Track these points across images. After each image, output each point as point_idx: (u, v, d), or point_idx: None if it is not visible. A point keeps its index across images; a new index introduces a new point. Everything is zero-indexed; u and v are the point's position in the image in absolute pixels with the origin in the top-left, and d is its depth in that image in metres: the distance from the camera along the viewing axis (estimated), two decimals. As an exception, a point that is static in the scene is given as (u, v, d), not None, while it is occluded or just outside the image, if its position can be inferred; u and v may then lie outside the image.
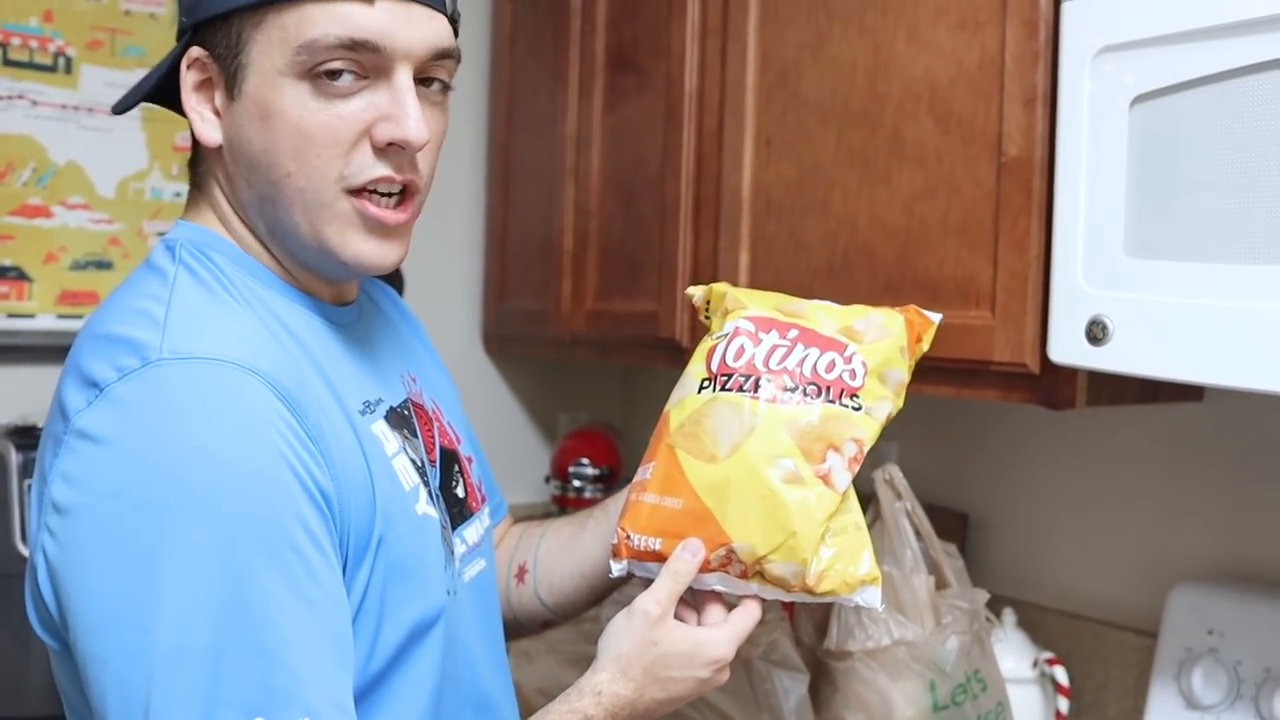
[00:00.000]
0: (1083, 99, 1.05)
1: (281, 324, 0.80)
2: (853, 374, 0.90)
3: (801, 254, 1.40)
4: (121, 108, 0.85)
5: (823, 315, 0.94)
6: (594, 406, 2.32)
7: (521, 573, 1.08)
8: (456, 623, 0.87)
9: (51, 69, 1.74)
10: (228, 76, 0.78)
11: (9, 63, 1.71)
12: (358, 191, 0.79)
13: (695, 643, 0.86)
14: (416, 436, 0.90)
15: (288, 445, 0.71)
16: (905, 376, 0.93)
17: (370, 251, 0.81)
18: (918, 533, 1.26)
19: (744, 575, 0.86)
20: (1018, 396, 1.19)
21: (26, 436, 1.49)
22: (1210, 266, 0.95)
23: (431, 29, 0.79)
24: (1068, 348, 1.06)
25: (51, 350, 1.75)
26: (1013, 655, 1.37)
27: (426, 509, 0.86)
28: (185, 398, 0.70)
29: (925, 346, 0.95)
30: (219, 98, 0.80)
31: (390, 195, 0.81)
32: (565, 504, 1.99)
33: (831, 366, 0.91)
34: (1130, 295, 1.01)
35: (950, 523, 1.58)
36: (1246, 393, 1.29)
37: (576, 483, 1.95)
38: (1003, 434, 1.59)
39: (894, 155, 1.29)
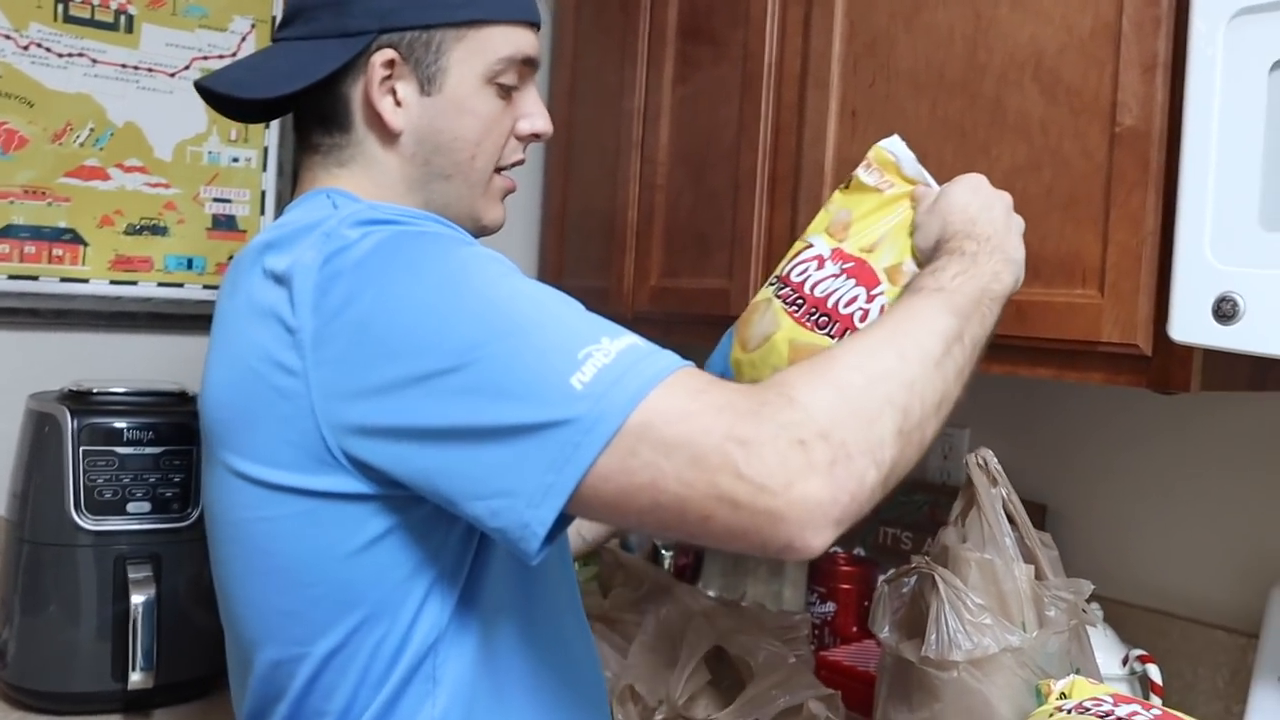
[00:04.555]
0: (1216, 64, 0.99)
1: None
2: (864, 315, 0.99)
3: (889, 230, 1.35)
4: (273, 92, 0.97)
5: (889, 248, 1.03)
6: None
7: None
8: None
9: (112, 27, 1.70)
10: (424, 76, 0.95)
11: (70, 19, 1.67)
12: (499, 170, 1.02)
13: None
14: None
15: None
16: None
17: (501, 215, 1.05)
18: (1011, 520, 1.21)
19: None
20: (1125, 379, 1.13)
21: (81, 402, 1.44)
22: (1355, 241, 0.90)
23: None
24: (1192, 326, 1.00)
25: (104, 316, 1.72)
26: (1101, 652, 1.30)
27: None
28: (420, 228, 0.86)
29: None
30: (406, 91, 0.96)
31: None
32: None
33: (851, 302, 1.00)
34: (1265, 271, 0.95)
35: (1028, 514, 1.52)
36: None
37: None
38: (1081, 420, 1.54)
39: (994, 126, 1.23)
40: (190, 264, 1.79)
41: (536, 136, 1.03)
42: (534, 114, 1.02)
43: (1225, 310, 0.98)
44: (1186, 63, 1.01)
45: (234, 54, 1.80)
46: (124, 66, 1.71)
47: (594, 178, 1.93)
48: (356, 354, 0.78)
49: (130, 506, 1.39)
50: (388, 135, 0.96)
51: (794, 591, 1.74)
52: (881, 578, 1.33)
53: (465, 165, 0.98)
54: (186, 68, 1.76)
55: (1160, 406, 1.45)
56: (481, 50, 0.96)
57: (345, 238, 0.82)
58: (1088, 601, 1.37)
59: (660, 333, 1.78)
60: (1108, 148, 1.12)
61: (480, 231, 1.01)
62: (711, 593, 1.63)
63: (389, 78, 0.95)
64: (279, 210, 1.84)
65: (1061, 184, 1.17)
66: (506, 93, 0.99)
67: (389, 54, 0.94)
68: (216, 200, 1.80)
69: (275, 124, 1.84)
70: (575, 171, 2.00)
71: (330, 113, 0.97)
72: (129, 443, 1.39)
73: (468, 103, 0.96)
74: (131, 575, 1.36)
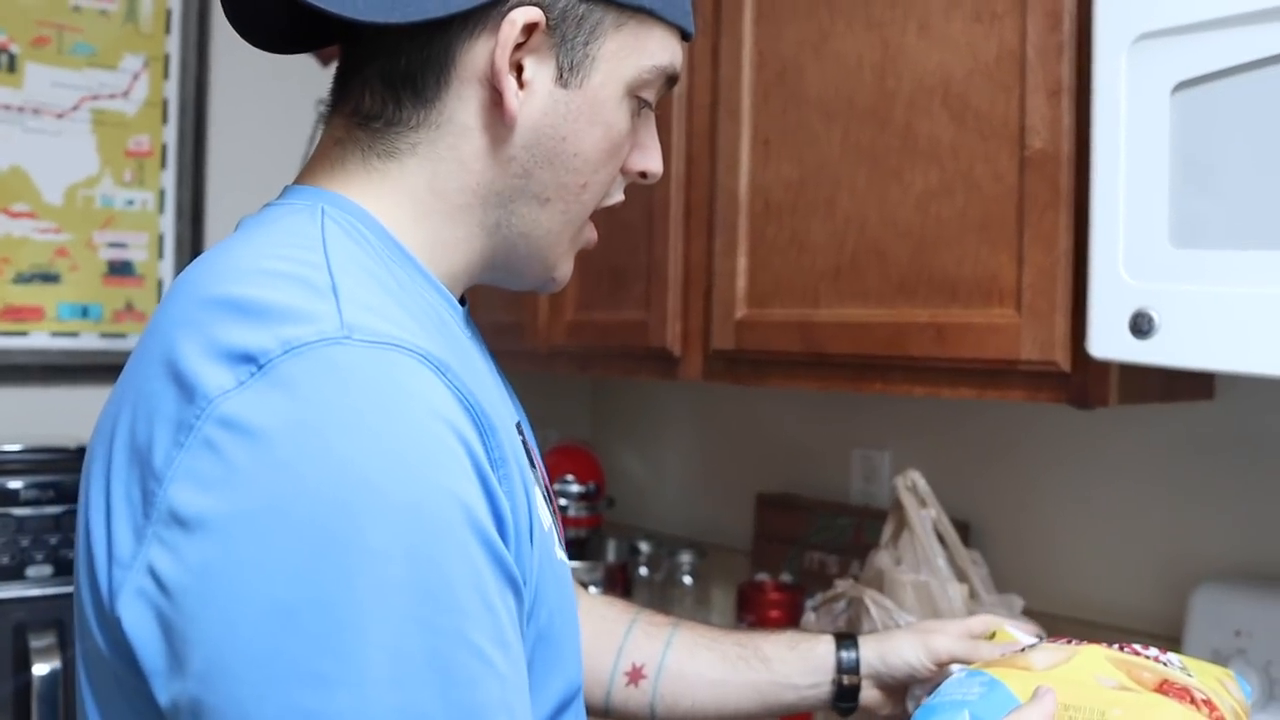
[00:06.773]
0: (1119, 88, 1.02)
1: (444, 321, 0.69)
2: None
3: (806, 255, 1.36)
4: (410, 16, 0.66)
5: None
6: (562, 424, 2.25)
7: (636, 675, 0.97)
8: None
9: (-7, 68, 1.63)
10: (567, 60, 0.69)
11: (-54, 60, 1.60)
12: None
13: None
14: (536, 466, 0.76)
15: (480, 477, 0.57)
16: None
17: (570, 271, 0.79)
18: (942, 540, 1.22)
19: None
20: (1046, 396, 1.16)
21: (-28, 461, 1.36)
22: (1261, 254, 0.93)
23: None
24: (1110, 342, 1.03)
25: (-7, 370, 1.63)
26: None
27: (562, 554, 0.73)
28: (378, 394, 0.54)
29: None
30: (537, 73, 0.69)
31: None
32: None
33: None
34: (1177, 286, 0.98)
35: (952, 532, 1.55)
36: (1259, 386, 1.29)
37: (562, 501, 1.87)
38: (999, 438, 1.57)
39: (905, 152, 1.25)
40: (85, 312, 1.71)
41: (644, 176, 0.79)
42: (650, 148, 0.78)
43: (1141, 326, 1.00)
44: (1091, 87, 1.05)
45: (125, 93, 1.73)
46: (7, 108, 1.64)
47: (504, 212, 1.90)
48: (174, 603, 0.53)
49: (30, 571, 1.32)
50: (494, 124, 0.69)
51: (721, 619, 1.73)
52: (809, 603, 1.34)
53: (572, 193, 0.72)
54: (75, 108, 1.69)
55: (1076, 420, 1.48)
56: (637, 50, 0.71)
57: (275, 413, 0.53)
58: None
59: (577, 367, 1.76)
60: (1018, 171, 1.15)
61: (543, 287, 0.79)
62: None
63: (521, 46, 0.68)
64: (180, 256, 1.78)
65: (974, 207, 1.19)
66: (637, 112, 0.75)
67: (535, 14, 0.67)
68: (112, 245, 1.73)
69: (171, 163, 1.78)
70: (484, 206, 1.97)
71: (418, 72, 0.68)
72: (26, 503, 1.32)
73: (607, 113, 0.71)
74: (33, 645, 1.28)
